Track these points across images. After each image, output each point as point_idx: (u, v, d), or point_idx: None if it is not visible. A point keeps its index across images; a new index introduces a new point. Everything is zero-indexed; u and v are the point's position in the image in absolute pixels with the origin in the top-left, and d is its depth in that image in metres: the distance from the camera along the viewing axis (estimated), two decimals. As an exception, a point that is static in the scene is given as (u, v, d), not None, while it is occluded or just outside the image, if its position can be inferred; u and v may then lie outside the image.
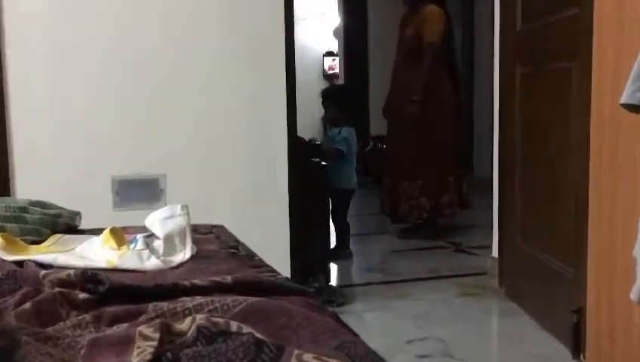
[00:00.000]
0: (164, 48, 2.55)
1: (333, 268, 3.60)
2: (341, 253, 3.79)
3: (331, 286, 3.13)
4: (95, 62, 2.49)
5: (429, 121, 4.08)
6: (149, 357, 0.67)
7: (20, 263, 1.16)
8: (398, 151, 4.20)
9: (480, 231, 4.28)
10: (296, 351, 0.66)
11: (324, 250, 3.27)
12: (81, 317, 0.85)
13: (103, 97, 2.51)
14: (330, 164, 3.46)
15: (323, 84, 8.13)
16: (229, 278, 0.96)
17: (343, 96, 3.93)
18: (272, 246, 2.60)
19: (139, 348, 0.70)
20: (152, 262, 1.22)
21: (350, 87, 4.58)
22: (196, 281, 0.96)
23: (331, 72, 9.52)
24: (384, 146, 6.34)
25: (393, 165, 4.25)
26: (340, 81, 8.01)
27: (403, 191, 4.15)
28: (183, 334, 0.74)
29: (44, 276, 0.99)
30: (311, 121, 7.02)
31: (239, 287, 0.94)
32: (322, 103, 3.87)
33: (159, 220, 1.35)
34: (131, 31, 2.51)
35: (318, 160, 3.48)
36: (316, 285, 2.89)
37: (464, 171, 4.53)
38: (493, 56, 3.13)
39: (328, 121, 3.96)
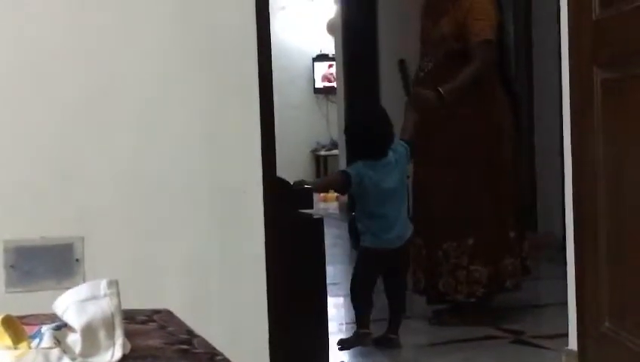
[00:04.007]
0: (79, 53, 2.57)
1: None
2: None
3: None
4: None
5: (478, 145, 4.10)
6: None
7: None
8: (433, 195, 4.19)
9: (549, 313, 4.25)
10: None
11: (322, 342, 3.25)
12: None
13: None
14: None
15: (315, 101, 8.21)
16: (179, 388, 0.96)
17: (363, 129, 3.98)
18: (243, 339, 2.59)
19: None
20: (64, 367, 1.21)
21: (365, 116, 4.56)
22: (131, 393, 0.95)
23: (326, 84, 9.62)
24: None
25: (426, 218, 4.22)
26: (339, 98, 8.08)
27: (444, 256, 4.13)
28: None
29: None
30: (299, 155, 7.06)
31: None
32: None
33: (75, 304, 1.34)
34: (34, 29, 2.54)
35: (308, 211, 3.47)
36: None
37: (525, 224, 4.54)
38: (559, 57, 3.16)
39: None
